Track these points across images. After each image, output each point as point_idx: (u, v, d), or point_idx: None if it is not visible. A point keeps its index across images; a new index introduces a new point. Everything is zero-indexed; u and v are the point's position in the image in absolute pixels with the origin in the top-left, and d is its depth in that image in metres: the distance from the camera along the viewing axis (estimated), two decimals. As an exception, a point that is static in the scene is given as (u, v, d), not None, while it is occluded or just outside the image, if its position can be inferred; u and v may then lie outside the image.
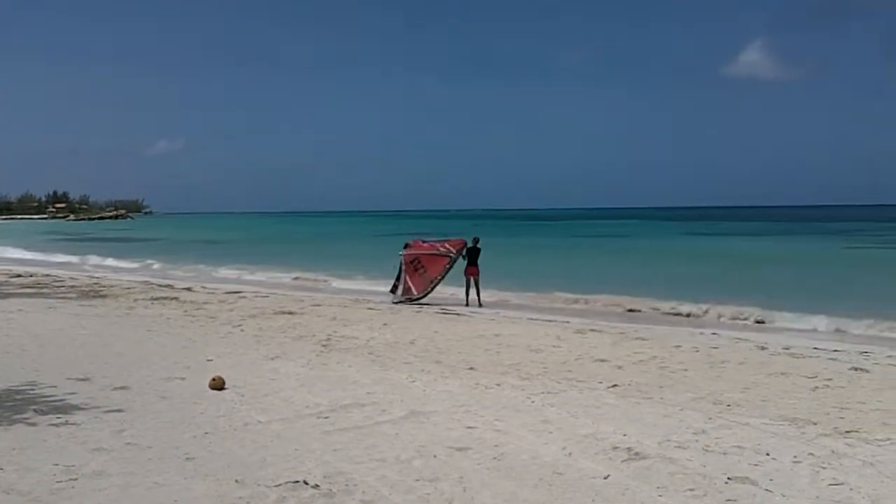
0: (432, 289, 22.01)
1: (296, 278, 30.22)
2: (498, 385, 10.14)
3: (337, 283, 28.48)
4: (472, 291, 21.64)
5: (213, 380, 9.70)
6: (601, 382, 10.41)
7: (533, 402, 9.16)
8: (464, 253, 22.00)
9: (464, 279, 21.86)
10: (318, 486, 6.07)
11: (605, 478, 6.39)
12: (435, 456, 6.93)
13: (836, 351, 13.50)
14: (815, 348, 13.79)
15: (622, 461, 6.84)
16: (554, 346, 13.38)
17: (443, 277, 22.14)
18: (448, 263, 22.08)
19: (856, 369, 11.51)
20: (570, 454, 7.05)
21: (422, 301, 21.52)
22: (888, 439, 7.63)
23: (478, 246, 21.97)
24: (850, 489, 6.15)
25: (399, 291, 22.09)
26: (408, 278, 22.23)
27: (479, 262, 21.85)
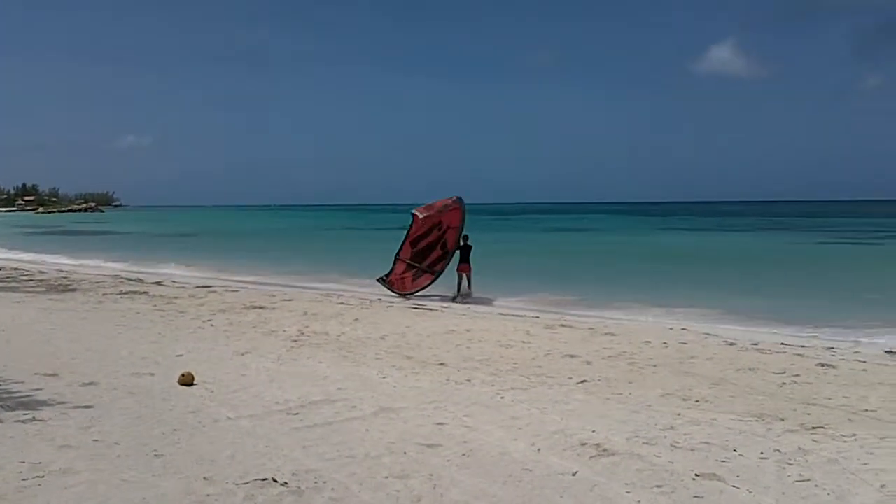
0: (419, 290, 22.27)
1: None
2: (468, 381, 10.16)
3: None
4: (464, 286, 22.06)
5: (183, 375, 9.65)
6: (570, 378, 10.45)
7: (503, 398, 9.19)
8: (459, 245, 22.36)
9: (455, 275, 22.25)
10: (286, 483, 6.05)
11: (574, 474, 6.43)
12: (405, 452, 6.94)
13: (803, 347, 13.64)
14: (782, 343, 13.92)
15: (590, 457, 6.88)
16: (524, 342, 13.41)
17: (435, 280, 22.50)
18: (438, 272, 22.48)
19: (822, 365, 11.63)
20: (538, 450, 7.08)
21: (396, 293, 21.67)
22: (853, 435, 7.73)
23: (468, 244, 22.34)
24: (816, 485, 6.23)
25: (389, 277, 22.58)
26: (403, 270, 22.66)
27: (470, 258, 22.26)
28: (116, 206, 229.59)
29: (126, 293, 20.53)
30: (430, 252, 22.65)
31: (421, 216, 22.96)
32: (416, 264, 22.69)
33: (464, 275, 22.13)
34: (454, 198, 23.35)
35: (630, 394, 9.58)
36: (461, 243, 22.30)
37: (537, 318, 17.41)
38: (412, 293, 22.04)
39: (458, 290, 22.01)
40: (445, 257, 22.40)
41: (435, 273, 22.37)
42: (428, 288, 22.31)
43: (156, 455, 6.76)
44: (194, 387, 9.43)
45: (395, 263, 23.02)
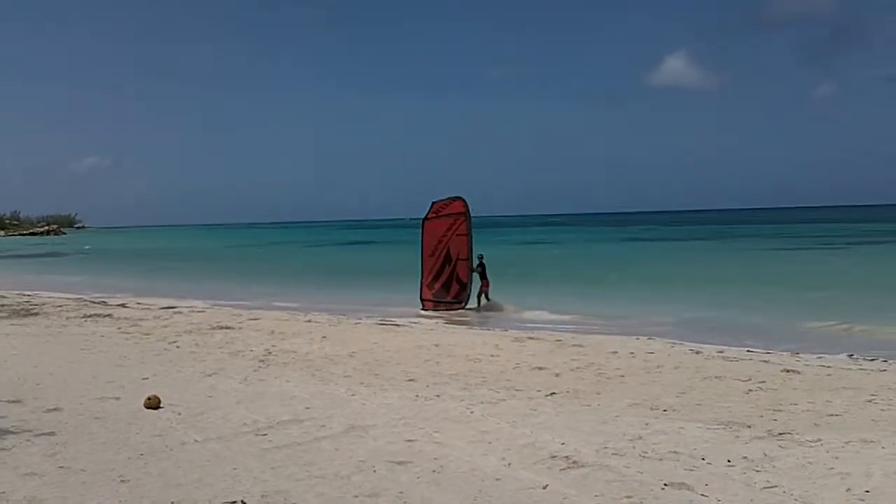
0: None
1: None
2: (437, 396, 10.15)
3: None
4: (482, 298, 23.87)
5: (149, 399, 9.55)
6: (539, 391, 10.48)
7: (472, 412, 9.19)
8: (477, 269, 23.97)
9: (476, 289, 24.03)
10: (256, 505, 6.01)
11: (544, 487, 6.43)
12: (374, 470, 6.91)
13: (768, 353, 13.80)
14: (748, 350, 14.07)
15: (560, 470, 6.89)
16: (493, 356, 13.43)
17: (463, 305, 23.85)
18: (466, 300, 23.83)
19: (788, 371, 11.75)
20: (509, 464, 7.08)
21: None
22: (819, 440, 7.81)
23: (483, 262, 23.94)
24: (783, 491, 6.28)
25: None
26: (433, 307, 23.79)
27: (487, 274, 24.01)
28: (79, 227, 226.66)
29: (90, 316, 20.30)
30: (450, 287, 23.94)
31: (428, 223, 24.46)
32: (442, 300, 23.88)
33: (483, 289, 23.88)
34: (456, 201, 24.35)
35: (598, 405, 9.62)
36: (477, 263, 23.86)
37: (505, 331, 17.46)
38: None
39: (479, 301, 23.79)
40: (465, 288, 23.77)
41: (462, 303, 23.73)
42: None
43: (122, 481, 6.68)
44: (161, 410, 9.33)
45: (422, 290, 24.25)
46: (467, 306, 23.54)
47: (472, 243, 23.77)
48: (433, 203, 24.47)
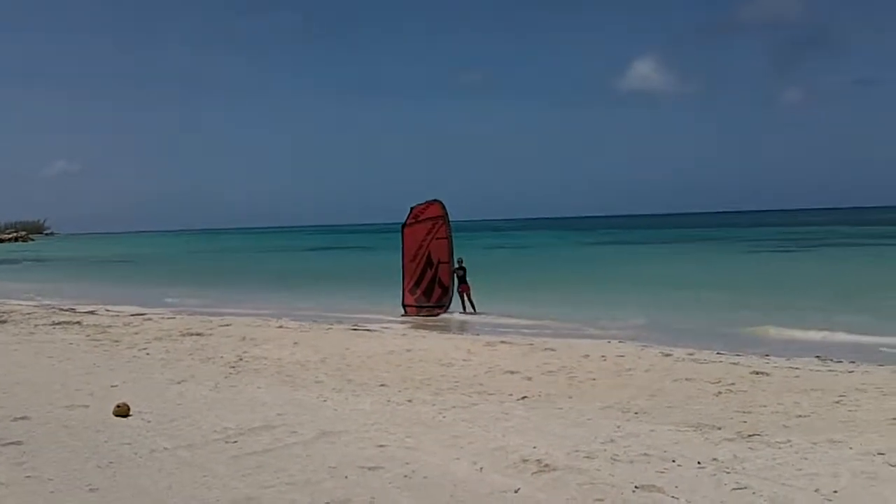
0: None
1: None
2: (409, 401, 10.13)
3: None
4: (468, 304, 24.05)
5: (118, 406, 9.46)
6: (511, 395, 10.50)
7: (444, 417, 9.18)
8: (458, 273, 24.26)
9: (458, 296, 24.25)
10: (226, 512, 5.97)
11: (516, 491, 6.44)
12: (346, 476, 6.88)
13: (738, 355, 13.90)
14: (717, 353, 14.18)
15: (532, 474, 6.90)
16: (465, 360, 13.44)
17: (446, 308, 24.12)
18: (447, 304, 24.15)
19: (757, 373, 11.85)
20: (480, 469, 7.08)
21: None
22: (788, 441, 7.87)
23: (463, 265, 24.29)
24: (753, 493, 6.32)
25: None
26: (416, 312, 23.92)
27: (467, 279, 24.30)
28: (48, 234, 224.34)
29: (59, 324, 20.09)
30: (432, 292, 24.14)
31: (408, 228, 24.61)
32: (424, 304, 24.04)
33: (464, 294, 24.08)
34: (433, 204, 24.54)
35: (570, 408, 9.65)
36: (457, 266, 24.11)
37: (477, 335, 17.48)
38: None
39: (464, 305, 24.03)
40: (447, 292, 23.98)
41: (444, 307, 23.97)
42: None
43: (91, 489, 6.62)
44: (130, 417, 9.25)
45: (403, 295, 24.36)
46: (450, 309, 23.71)
47: (452, 246, 23.96)
48: (412, 208, 24.54)
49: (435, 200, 24.49)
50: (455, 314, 23.56)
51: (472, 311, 23.77)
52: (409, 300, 24.08)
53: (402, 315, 23.56)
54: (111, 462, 7.43)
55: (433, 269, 23.95)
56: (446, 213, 24.15)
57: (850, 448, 7.59)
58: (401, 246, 24.66)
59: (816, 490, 6.34)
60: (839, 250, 54.23)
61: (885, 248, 52.98)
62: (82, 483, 6.79)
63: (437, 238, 24.01)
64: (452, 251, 24.01)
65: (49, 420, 9.20)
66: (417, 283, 24.12)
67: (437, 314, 23.45)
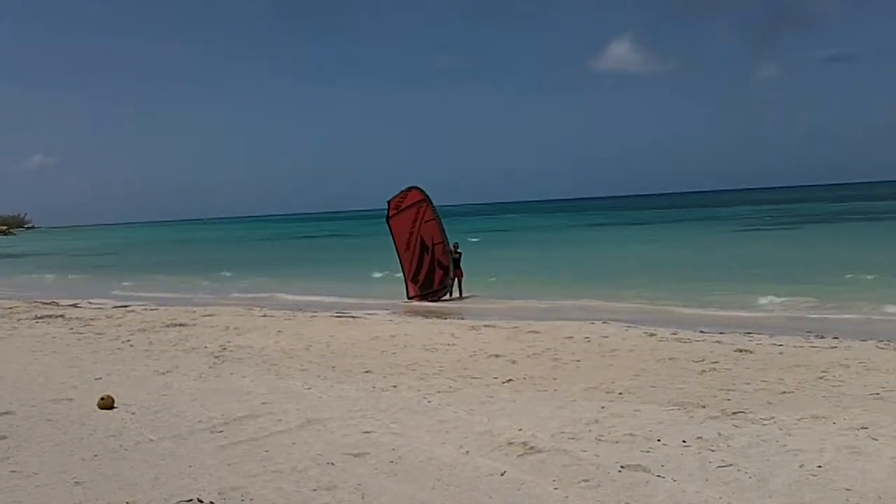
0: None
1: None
2: (394, 387, 10.13)
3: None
4: (456, 288, 24.11)
5: (102, 399, 9.41)
6: (496, 378, 10.51)
7: (429, 402, 9.18)
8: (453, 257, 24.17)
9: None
10: (212, 503, 5.95)
11: (502, 474, 6.45)
12: (332, 463, 6.88)
13: (721, 334, 13.96)
14: (701, 332, 14.23)
15: (518, 456, 6.91)
16: (449, 345, 13.44)
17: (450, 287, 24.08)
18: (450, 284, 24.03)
19: (740, 351, 11.90)
20: (466, 452, 7.09)
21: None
22: (772, 418, 7.91)
23: (459, 251, 24.24)
24: (738, 470, 6.35)
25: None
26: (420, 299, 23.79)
27: (461, 264, 24.30)
28: (29, 227, 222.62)
29: (42, 317, 19.96)
30: (434, 275, 23.91)
31: (393, 220, 24.48)
32: (429, 290, 23.88)
33: (456, 279, 24.08)
34: (411, 191, 24.47)
35: (555, 390, 9.67)
36: (453, 251, 24.02)
37: (462, 319, 17.49)
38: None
39: (452, 292, 23.94)
40: (448, 272, 23.81)
41: (447, 287, 23.90)
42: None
43: (76, 483, 6.58)
44: (115, 410, 9.21)
45: (407, 287, 24.27)
46: (445, 296, 23.70)
47: (442, 226, 23.96)
48: (389, 201, 24.45)
49: (412, 187, 24.44)
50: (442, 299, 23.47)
51: (459, 296, 23.81)
52: (414, 291, 24.00)
53: (405, 301, 23.57)
54: (96, 455, 7.40)
55: (430, 253, 23.82)
56: (427, 196, 24.10)
57: (834, 423, 7.64)
58: (391, 239, 24.55)
59: (801, 466, 6.38)
60: (818, 227, 54.57)
61: (865, 224, 53.41)
62: (68, 476, 6.76)
63: (426, 221, 23.91)
64: (444, 230, 23.98)
65: (33, 414, 9.15)
66: (418, 270, 24.00)
67: (442, 296, 23.50)
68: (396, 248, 24.36)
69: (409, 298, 23.89)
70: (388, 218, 24.50)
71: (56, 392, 10.39)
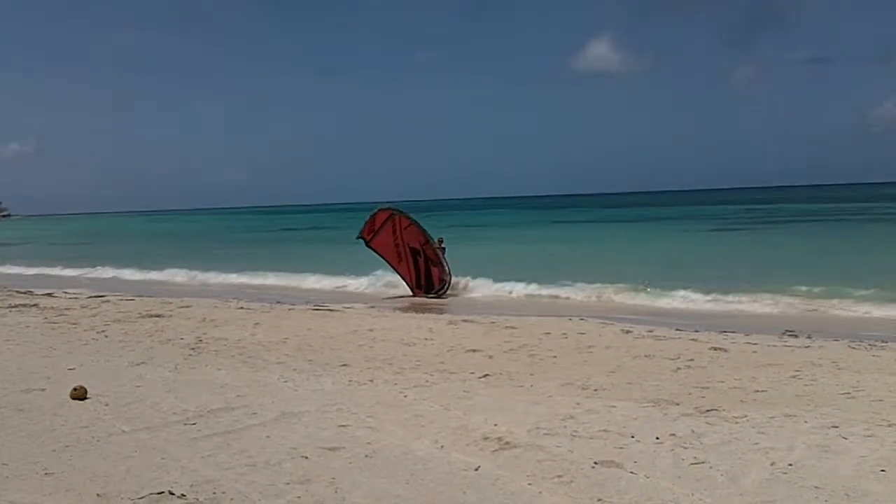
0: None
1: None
2: (371, 381, 10.12)
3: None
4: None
5: (75, 389, 9.33)
6: (473, 373, 10.52)
7: (406, 396, 9.18)
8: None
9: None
10: (184, 495, 5.92)
11: (476, 469, 6.46)
12: (306, 457, 6.86)
13: (696, 332, 14.05)
14: (677, 329, 14.31)
15: (493, 451, 6.93)
16: (427, 339, 13.45)
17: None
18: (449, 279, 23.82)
19: (715, 349, 11.98)
20: (441, 447, 7.09)
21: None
22: (745, 416, 7.97)
23: (443, 245, 24.24)
24: (710, 467, 6.40)
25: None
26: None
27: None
28: (5, 216, 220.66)
29: (15, 306, 19.75)
30: (431, 275, 23.83)
31: (374, 242, 24.36)
32: (433, 290, 23.63)
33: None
34: (377, 214, 24.53)
35: (531, 386, 9.69)
36: (438, 245, 24.01)
37: (440, 314, 17.50)
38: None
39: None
40: (442, 266, 23.69)
41: (446, 281, 23.57)
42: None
43: (46, 474, 6.53)
44: (87, 400, 9.13)
45: (413, 292, 23.95)
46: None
47: (421, 225, 24.08)
48: (361, 230, 24.47)
49: (377, 210, 24.63)
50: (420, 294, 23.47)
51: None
52: (420, 294, 23.86)
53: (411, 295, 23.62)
54: (67, 446, 7.34)
55: (421, 255, 23.83)
56: (395, 209, 24.36)
57: (806, 422, 7.71)
58: (381, 258, 24.51)
59: (772, 463, 6.44)
60: (793, 227, 54.97)
61: (839, 225, 53.85)
62: (38, 467, 6.70)
63: (405, 228, 23.98)
64: (425, 230, 24.07)
65: (4, 404, 9.05)
66: (419, 276, 23.96)
67: (446, 290, 23.45)
68: (390, 264, 24.32)
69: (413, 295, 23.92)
70: (367, 244, 24.43)
71: (27, 382, 10.29)
